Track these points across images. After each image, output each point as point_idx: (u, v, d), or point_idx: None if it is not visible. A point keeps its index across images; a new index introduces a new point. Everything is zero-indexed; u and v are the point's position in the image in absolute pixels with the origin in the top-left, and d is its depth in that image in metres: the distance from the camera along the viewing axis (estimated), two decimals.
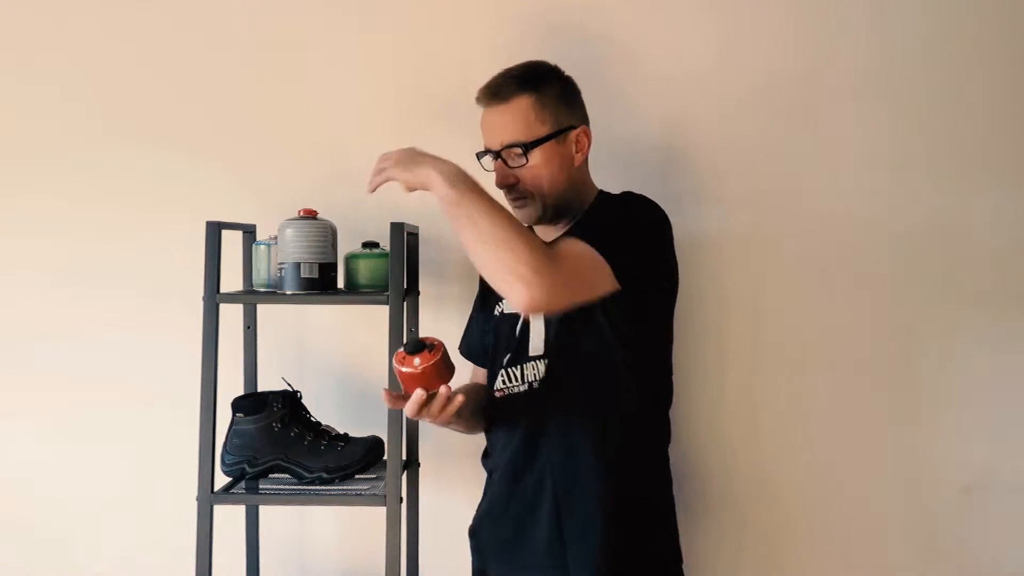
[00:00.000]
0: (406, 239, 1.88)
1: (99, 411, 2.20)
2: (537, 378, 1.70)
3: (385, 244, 1.92)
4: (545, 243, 1.58)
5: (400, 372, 1.59)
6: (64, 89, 2.21)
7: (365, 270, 1.93)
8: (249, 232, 2.08)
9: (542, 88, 1.69)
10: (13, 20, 2.21)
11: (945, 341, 2.13)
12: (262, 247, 1.97)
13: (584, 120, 1.75)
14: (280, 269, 1.90)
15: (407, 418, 1.78)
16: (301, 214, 1.91)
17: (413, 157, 1.58)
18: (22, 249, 2.21)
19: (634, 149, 2.13)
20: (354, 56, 2.17)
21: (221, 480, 1.93)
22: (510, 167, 1.69)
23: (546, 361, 1.69)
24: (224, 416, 1.92)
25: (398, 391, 1.64)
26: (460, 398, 1.60)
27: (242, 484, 1.93)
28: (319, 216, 1.92)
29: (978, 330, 2.13)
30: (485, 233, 1.48)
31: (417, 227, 2.07)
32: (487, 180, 1.65)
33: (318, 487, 1.89)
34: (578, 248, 1.54)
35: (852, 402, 2.14)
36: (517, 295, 1.46)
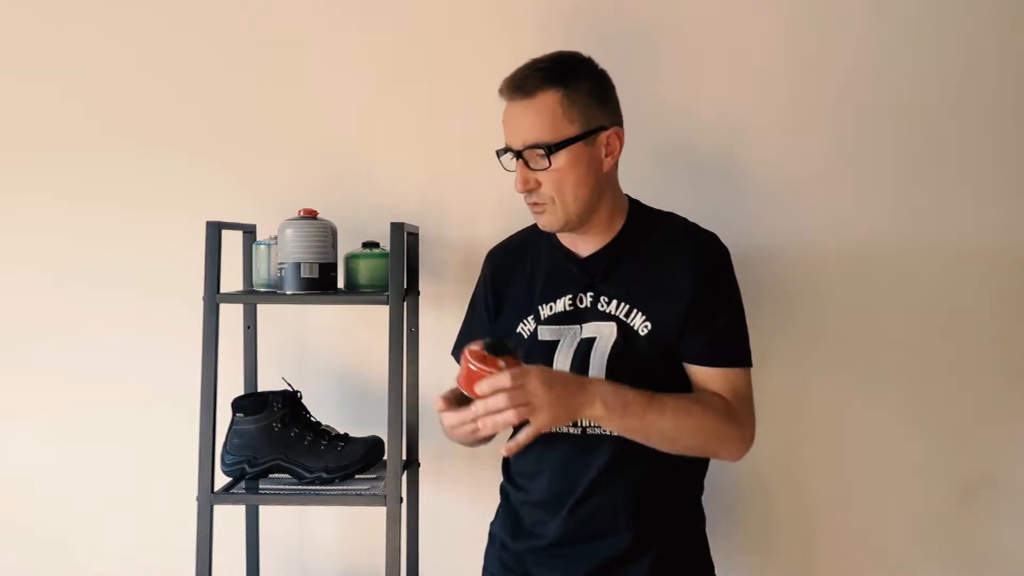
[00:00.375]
0: (406, 239, 1.88)
1: (99, 411, 2.20)
2: (595, 424, 1.52)
3: (385, 244, 1.92)
4: (722, 400, 1.51)
5: (477, 371, 1.36)
6: (64, 89, 2.21)
7: (365, 270, 1.94)
8: (249, 232, 2.08)
9: (572, 83, 1.51)
10: (13, 20, 2.21)
11: (945, 340, 2.13)
12: (262, 247, 1.97)
13: (617, 120, 1.58)
14: (280, 269, 1.90)
15: (409, 419, 1.77)
16: (301, 214, 1.91)
17: (564, 398, 1.34)
18: (22, 249, 2.21)
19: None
20: (354, 56, 2.17)
21: (221, 480, 1.93)
22: (532, 169, 1.52)
23: None
24: (224, 416, 1.92)
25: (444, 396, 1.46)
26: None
27: (242, 484, 1.93)
28: (319, 216, 1.92)
29: (978, 330, 2.13)
30: (675, 437, 1.47)
31: (417, 227, 2.07)
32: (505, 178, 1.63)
33: (318, 487, 1.89)
34: (745, 379, 1.56)
35: (852, 402, 2.14)
36: (731, 459, 1.54)
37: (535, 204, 1.55)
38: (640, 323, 1.55)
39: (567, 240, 1.63)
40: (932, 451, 2.14)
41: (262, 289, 1.97)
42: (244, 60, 2.19)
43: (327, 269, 1.90)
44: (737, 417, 1.51)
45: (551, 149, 1.50)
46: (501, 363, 1.35)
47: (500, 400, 1.28)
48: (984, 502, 2.14)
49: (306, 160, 2.18)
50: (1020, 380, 2.14)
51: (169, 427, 2.15)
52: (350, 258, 1.96)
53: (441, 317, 2.13)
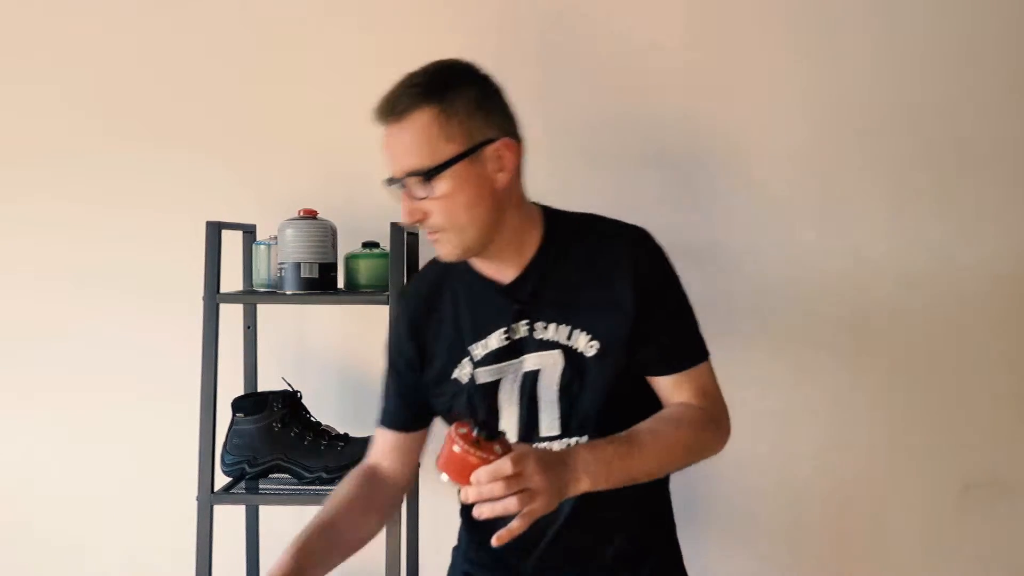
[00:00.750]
0: (406, 239, 1.88)
1: (99, 411, 2.20)
2: None
3: (385, 244, 1.92)
4: (694, 409, 1.39)
5: (470, 458, 1.18)
6: (64, 89, 2.21)
7: (365, 270, 1.94)
8: (249, 232, 2.08)
9: (448, 96, 1.33)
10: (13, 20, 2.21)
11: (945, 340, 2.13)
12: (262, 247, 1.97)
13: (508, 130, 1.38)
14: (280, 269, 1.90)
15: None
16: (301, 214, 1.91)
17: (555, 480, 1.21)
18: (22, 249, 2.21)
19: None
20: (354, 56, 2.17)
21: (221, 480, 1.93)
22: (417, 198, 1.34)
23: (571, 440, 1.40)
24: (224, 416, 1.92)
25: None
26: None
27: (242, 484, 1.93)
28: (319, 216, 1.92)
29: (977, 329, 2.13)
30: (661, 468, 1.37)
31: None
32: None
33: (318, 487, 1.89)
34: (708, 372, 1.44)
35: (852, 402, 2.14)
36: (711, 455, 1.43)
37: (432, 234, 1.38)
38: (585, 344, 1.39)
39: (483, 266, 1.43)
40: (932, 451, 2.14)
41: (262, 289, 1.97)
42: (244, 60, 2.19)
43: (327, 269, 1.90)
44: (712, 419, 1.41)
45: (429, 174, 1.32)
46: (497, 448, 1.20)
47: (498, 487, 1.16)
48: (984, 502, 2.14)
49: (306, 160, 2.18)
50: (1020, 380, 2.14)
51: (169, 427, 2.14)
52: (350, 258, 1.96)
53: None
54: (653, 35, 2.13)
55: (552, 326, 1.40)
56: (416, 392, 1.48)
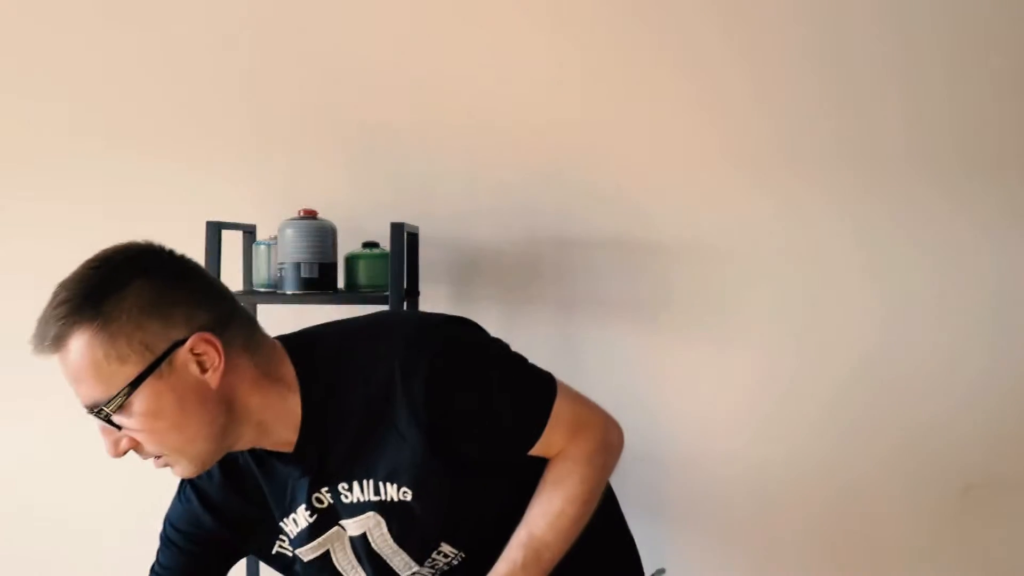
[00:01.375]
0: (406, 239, 1.88)
1: None
2: None
3: (385, 244, 1.92)
4: (570, 465, 1.22)
5: None
6: (64, 90, 2.20)
7: (365, 270, 1.94)
8: (249, 232, 2.08)
9: (106, 308, 1.08)
10: (14, 22, 2.21)
11: (944, 340, 2.13)
12: (262, 247, 1.97)
13: (200, 322, 1.10)
14: (280, 269, 1.90)
15: None
16: (301, 214, 1.91)
17: None
18: (22, 251, 2.21)
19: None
20: (354, 56, 2.17)
21: None
22: (116, 427, 1.13)
23: (435, 557, 1.25)
24: None
25: None
26: None
27: None
28: (319, 216, 1.92)
29: (977, 329, 2.13)
30: (573, 539, 1.21)
31: (417, 227, 2.07)
32: None
33: None
34: (561, 410, 1.21)
35: (851, 402, 2.14)
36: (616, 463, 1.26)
37: (155, 461, 1.17)
38: (396, 493, 1.19)
39: (265, 442, 1.19)
40: (932, 451, 2.14)
41: (262, 289, 1.97)
42: (244, 60, 2.19)
43: (327, 269, 1.90)
44: (593, 453, 1.23)
45: (113, 406, 1.10)
46: None
47: None
48: (984, 502, 2.14)
49: (306, 160, 2.18)
50: (1020, 379, 2.14)
51: None
52: (350, 258, 1.96)
53: None
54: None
55: (356, 486, 1.20)
56: (210, 553, 1.27)
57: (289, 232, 1.88)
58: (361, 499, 1.20)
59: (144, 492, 2.20)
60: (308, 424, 1.16)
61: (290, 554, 1.26)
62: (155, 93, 2.19)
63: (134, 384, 1.08)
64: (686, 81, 2.12)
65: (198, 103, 2.19)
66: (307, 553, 1.24)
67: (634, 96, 2.13)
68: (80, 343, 1.08)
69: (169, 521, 1.29)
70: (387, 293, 1.86)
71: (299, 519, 1.22)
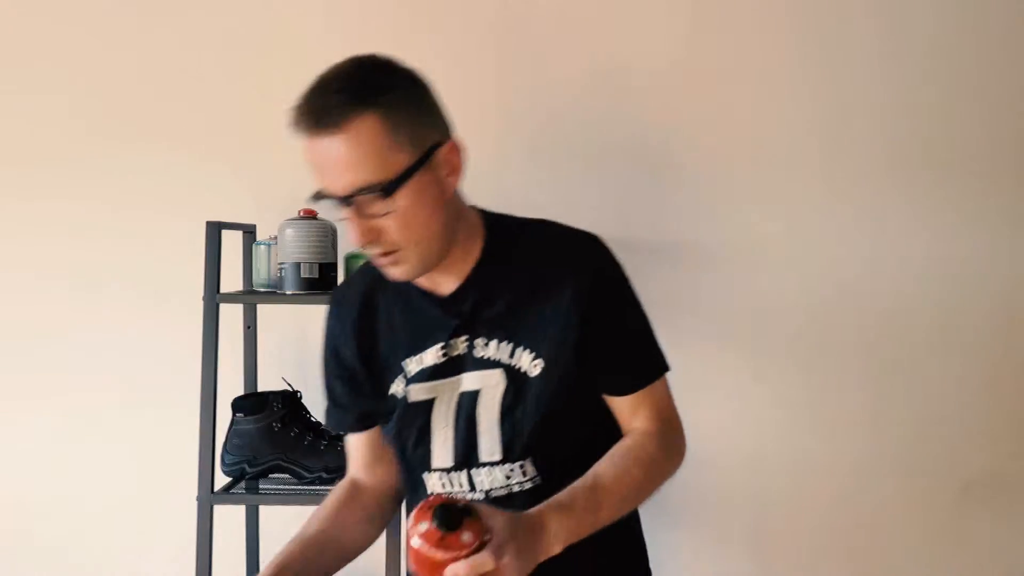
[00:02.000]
0: None
1: (99, 411, 2.20)
2: (499, 485, 1.30)
3: None
4: (652, 439, 1.28)
5: (434, 557, 1.06)
6: (64, 90, 2.20)
7: None
8: (249, 232, 2.08)
9: (386, 99, 1.18)
10: (14, 21, 2.21)
11: (944, 340, 2.13)
12: (262, 247, 1.97)
13: (448, 130, 1.25)
14: (280, 269, 1.90)
15: None
16: (301, 214, 1.91)
17: (530, 557, 1.11)
18: (22, 250, 2.21)
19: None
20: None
21: (221, 480, 1.93)
22: (368, 216, 1.19)
23: (515, 466, 1.29)
24: (224, 416, 1.92)
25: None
26: None
27: (242, 484, 1.93)
28: (319, 216, 1.92)
29: (977, 328, 2.13)
30: (626, 508, 1.25)
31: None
32: None
33: (318, 487, 1.89)
34: (664, 389, 1.33)
35: (851, 402, 2.14)
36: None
37: (385, 255, 1.23)
38: (529, 363, 1.27)
39: (423, 279, 1.29)
40: (932, 451, 2.14)
41: (262, 289, 1.97)
42: (244, 60, 2.19)
43: (327, 269, 1.90)
44: (669, 445, 1.31)
45: (388, 189, 1.17)
46: (465, 536, 1.07)
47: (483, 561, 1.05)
48: (984, 502, 2.14)
49: (306, 160, 2.17)
50: (1020, 379, 2.14)
51: (169, 427, 2.14)
52: (350, 258, 1.96)
53: None
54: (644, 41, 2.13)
55: (493, 343, 1.28)
56: (368, 386, 1.36)
57: (289, 232, 1.89)
58: (494, 357, 1.28)
59: (144, 491, 2.21)
60: (479, 271, 1.29)
61: (400, 395, 1.32)
62: (155, 93, 2.19)
63: (407, 173, 1.17)
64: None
65: (199, 103, 2.19)
66: (417, 393, 1.31)
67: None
68: (365, 127, 1.16)
69: (329, 368, 1.40)
70: None
71: (427, 358, 1.30)
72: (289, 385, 1.99)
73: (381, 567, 1.81)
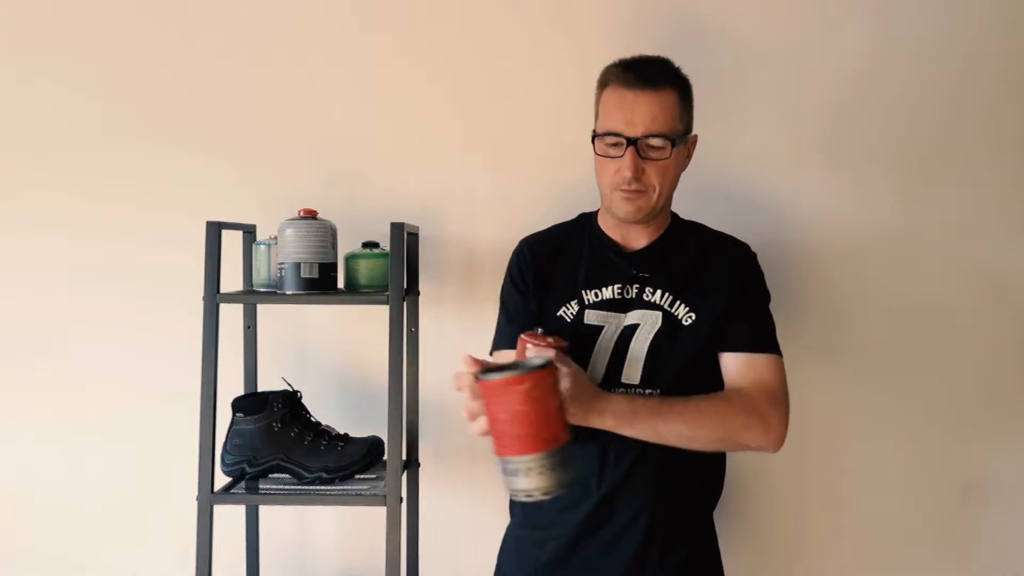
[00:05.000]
0: (406, 239, 1.88)
1: (99, 411, 2.20)
2: None
3: (385, 244, 1.92)
4: (742, 394, 1.59)
5: (524, 343, 1.53)
6: (64, 88, 2.20)
7: (365, 270, 1.94)
8: (249, 232, 2.08)
9: (680, 85, 1.63)
10: (17, 18, 2.21)
11: (944, 339, 2.13)
12: (262, 247, 1.97)
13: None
14: (280, 269, 1.90)
15: (409, 419, 1.72)
16: (301, 214, 1.91)
17: (587, 400, 1.48)
18: (22, 248, 2.21)
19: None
20: (354, 56, 2.17)
21: (221, 480, 1.93)
22: (645, 157, 1.58)
23: (650, 392, 1.60)
24: (224, 416, 1.92)
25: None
26: None
27: (242, 484, 1.93)
28: (319, 216, 1.92)
29: (977, 328, 2.13)
30: (691, 435, 1.54)
31: (417, 227, 2.07)
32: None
33: (318, 487, 1.89)
34: (774, 369, 1.64)
35: (852, 401, 2.14)
36: (762, 449, 1.60)
37: (635, 191, 1.60)
38: (684, 313, 1.63)
39: (616, 234, 1.70)
40: (932, 451, 2.14)
41: (262, 289, 1.97)
42: (244, 60, 2.19)
43: (327, 269, 1.90)
44: (758, 408, 1.57)
45: (675, 142, 1.59)
46: (550, 339, 1.48)
47: (538, 356, 1.39)
48: (984, 502, 2.14)
49: (306, 160, 2.18)
50: (1020, 379, 2.14)
51: (169, 427, 2.15)
52: (350, 258, 1.96)
53: (441, 317, 2.13)
54: None
55: (659, 292, 1.65)
56: (534, 303, 1.69)
57: (289, 232, 1.88)
58: (658, 302, 1.65)
59: (144, 491, 2.21)
60: (663, 239, 1.70)
61: (568, 319, 1.66)
62: (156, 92, 2.19)
63: (685, 135, 1.64)
64: None
65: (199, 102, 2.19)
66: (592, 318, 1.66)
67: None
68: (670, 95, 1.60)
69: (507, 290, 1.75)
70: (387, 293, 1.86)
71: (604, 293, 1.67)
72: (289, 385, 1.99)
73: (381, 567, 1.81)
